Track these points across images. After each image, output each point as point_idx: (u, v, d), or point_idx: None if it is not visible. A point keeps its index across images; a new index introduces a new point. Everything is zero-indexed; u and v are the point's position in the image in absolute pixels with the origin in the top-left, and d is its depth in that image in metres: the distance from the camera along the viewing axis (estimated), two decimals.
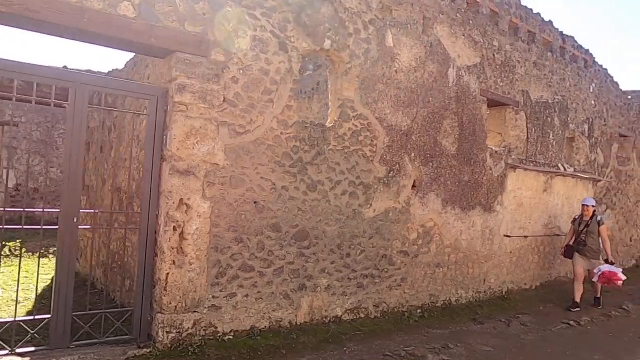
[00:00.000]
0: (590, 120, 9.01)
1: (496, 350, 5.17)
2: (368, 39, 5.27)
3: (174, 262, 4.05)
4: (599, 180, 9.25)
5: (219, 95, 4.24)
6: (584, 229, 6.99)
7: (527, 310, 6.88)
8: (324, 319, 5.03)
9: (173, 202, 4.03)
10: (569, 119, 8.42)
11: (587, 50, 8.91)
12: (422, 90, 5.81)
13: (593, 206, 7.11)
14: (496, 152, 6.99)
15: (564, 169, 8.26)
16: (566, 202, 8.40)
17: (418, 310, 5.86)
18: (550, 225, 8.07)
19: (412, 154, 5.74)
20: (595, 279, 6.92)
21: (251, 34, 4.40)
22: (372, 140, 5.34)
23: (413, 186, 5.79)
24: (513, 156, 7.25)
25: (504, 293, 7.18)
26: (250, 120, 4.44)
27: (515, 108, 7.27)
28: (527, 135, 7.51)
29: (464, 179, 6.44)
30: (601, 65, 9.35)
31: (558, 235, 8.13)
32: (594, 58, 9.10)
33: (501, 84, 7.01)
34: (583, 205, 7.13)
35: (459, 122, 6.33)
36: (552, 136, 8.04)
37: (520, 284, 7.61)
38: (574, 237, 7.16)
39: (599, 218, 7.05)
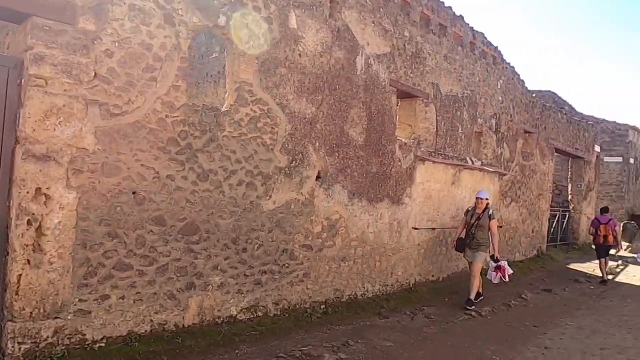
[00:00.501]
0: (498, 115, 9.28)
1: (396, 346, 5.06)
2: (269, 18, 4.91)
3: (28, 262, 3.48)
4: (505, 174, 9.58)
5: (89, 70, 3.70)
6: (475, 222, 6.83)
7: (433, 302, 6.92)
8: (217, 320, 4.65)
9: (27, 192, 3.45)
10: (477, 113, 8.59)
11: (496, 48, 9.14)
12: (328, 76, 5.56)
13: (487, 199, 6.93)
14: (405, 144, 6.92)
15: (472, 162, 8.43)
16: (473, 195, 8.55)
17: (322, 306, 5.65)
18: (458, 218, 8.19)
19: (317, 144, 5.48)
20: (494, 280, 7.10)
21: (129, 2, 3.88)
22: (272, 128, 5.00)
23: (318, 177, 5.54)
24: (422, 148, 7.24)
25: (411, 285, 7.18)
26: (129, 101, 3.93)
27: (426, 100, 7.25)
28: (437, 128, 7.53)
29: (372, 171, 6.30)
30: (509, 63, 9.66)
31: None
32: (502, 55, 9.37)
33: (412, 75, 6.94)
34: (477, 198, 6.98)
35: (368, 112, 6.16)
36: (461, 130, 8.15)
37: (427, 276, 7.66)
38: (465, 229, 7.03)
39: (490, 212, 6.87)
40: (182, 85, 4.26)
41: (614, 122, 18.25)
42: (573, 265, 11.65)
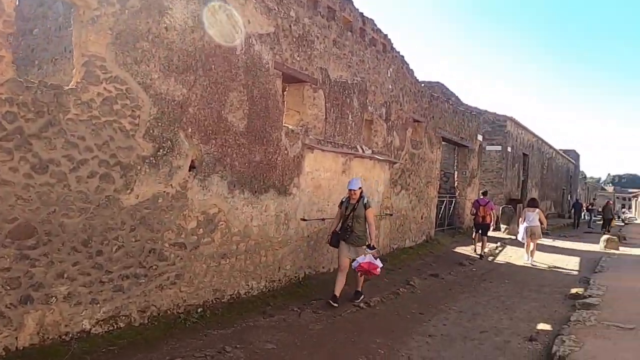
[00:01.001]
0: (388, 104, 9.30)
1: (278, 348, 4.71)
2: None
3: None
4: (395, 163, 9.68)
5: None
6: (350, 213, 6.25)
7: (323, 295, 6.68)
8: (64, 337, 3.94)
9: None
10: (367, 101, 8.50)
11: (386, 36, 9.12)
12: (202, 55, 4.98)
13: (360, 188, 6.35)
14: (293, 131, 6.57)
15: (363, 150, 8.33)
16: (364, 184, 8.51)
17: (199, 310, 5.12)
18: (373, 202, 8.09)
19: (190, 130, 4.90)
20: (355, 267, 6.43)
21: None
22: (133, 111, 4.34)
23: (192, 167, 4.97)
24: (311, 136, 6.94)
25: (300, 279, 6.90)
26: None
27: (314, 86, 6.95)
28: (326, 115, 7.28)
29: (256, 160, 5.85)
30: (398, 52, 9.71)
31: None
32: (392, 43, 9.38)
33: (298, 58, 6.58)
34: (349, 190, 6.33)
35: (249, 96, 5.69)
36: (351, 117, 7.99)
37: (318, 268, 7.44)
38: (340, 222, 6.42)
39: (365, 200, 6.33)
40: (6, 56, 3.46)
41: (495, 113, 19.60)
42: (459, 249, 12.24)
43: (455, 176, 15.13)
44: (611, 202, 29.08)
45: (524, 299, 7.52)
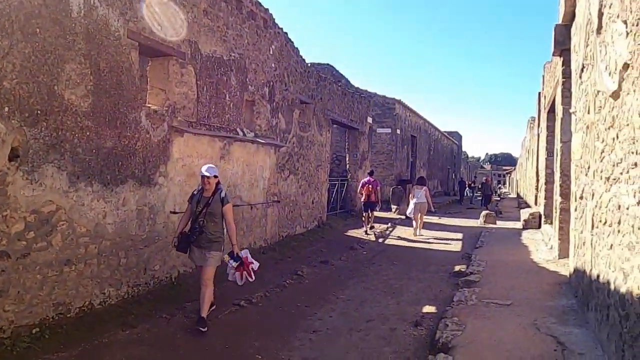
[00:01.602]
0: (272, 84, 8.72)
1: None
2: None
3: None
4: (282, 146, 9.17)
5: None
6: (204, 209, 4.91)
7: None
8: None
9: None
10: (248, 80, 7.84)
11: (267, 10, 8.48)
12: (19, 15, 3.97)
13: (216, 177, 4.99)
14: (156, 112, 5.72)
15: (244, 134, 7.68)
16: (247, 170, 7.90)
17: (34, 331, 4.18)
18: (230, 196, 7.42)
19: (7, 109, 3.89)
20: (239, 281, 5.28)
21: None
22: None
23: (15, 156, 3.98)
24: (180, 118, 6.14)
25: (173, 280, 6.13)
26: None
27: (181, 60, 6.13)
28: (198, 94, 6.50)
29: (107, 146, 4.95)
30: (282, 28, 9.14)
31: (239, 205, 7.56)
32: (274, 19, 8.78)
33: (160, 28, 5.71)
34: (203, 176, 4.94)
35: (95, 69, 4.75)
36: (229, 97, 7.29)
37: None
38: (190, 221, 5.04)
39: (223, 194, 4.99)
40: None
41: (384, 96, 19.99)
42: (350, 232, 12.16)
43: (347, 159, 15.07)
44: (490, 179, 31.50)
45: (411, 280, 7.49)
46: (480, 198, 28.48)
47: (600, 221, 4.29)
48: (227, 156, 7.27)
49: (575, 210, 5.93)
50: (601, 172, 4.27)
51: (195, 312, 5.28)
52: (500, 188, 65.81)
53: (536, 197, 17.03)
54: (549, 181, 11.98)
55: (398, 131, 20.48)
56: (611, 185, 3.93)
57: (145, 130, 5.50)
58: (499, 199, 37.33)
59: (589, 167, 4.92)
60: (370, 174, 12.83)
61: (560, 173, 7.97)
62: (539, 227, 12.62)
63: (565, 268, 7.31)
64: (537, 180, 17.20)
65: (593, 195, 4.64)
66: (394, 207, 16.70)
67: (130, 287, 5.39)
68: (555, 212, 8.51)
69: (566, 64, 7.87)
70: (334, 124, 13.05)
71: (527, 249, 9.64)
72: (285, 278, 7.19)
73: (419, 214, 12.08)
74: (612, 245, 3.84)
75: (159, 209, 5.80)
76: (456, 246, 10.74)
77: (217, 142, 6.99)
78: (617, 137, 3.70)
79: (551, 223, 12.01)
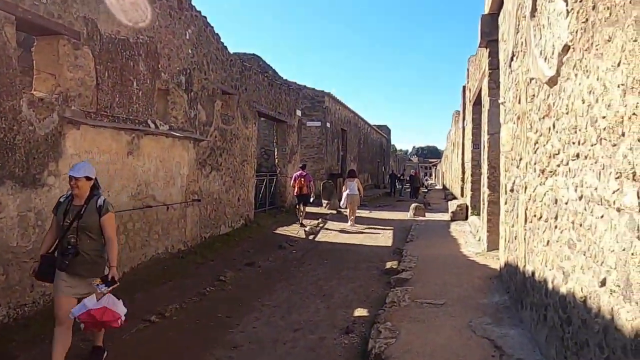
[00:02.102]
0: (189, 71, 7.96)
1: None
2: None
3: None
4: (202, 140, 8.44)
5: None
6: (73, 222, 3.65)
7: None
8: None
9: None
10: (160, 66, 7.05)
11: None
12: None
13: (90, 178, 3.74)
14: (42, 100, 4.85)
15: (156, 126, 6.90)
16: (162, 167, 7.13)
17: None
18: (142, 196, 6.63)
19: None
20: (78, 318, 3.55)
21: None
22: None
23: None
24: (75, 108, 5.28)
25: None
26: None
27: (75, 41, 5.27)
28: (98, 80, 5.66)
29: None
30: (199, 12, 8.38)
31: (151, 207, 6.78)
32: (191, 1, 8.00)
33: (46, 1, 4.84)
34: (71, 177, 3.67)
35: None
36: (137, 85, 6.48)
37: None
38: (56, 239, 3.75)
39: (100, 201, 3.75)
40: None
41: (313, 88, 19.59)
42: (280, 230, 11.65)
43: (275, 153, 14.50)
44: (418, 172, 32.25)
45: (342, 279, 7.12)
46: (409, 190, 29.07)
47: (535, 215, 4.10)
48: (137, 152, 6.46)
49: (506, 203, 5.80)
50: (535, 164, 4.07)
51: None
52: (427, 180, 68.18)
53: (462, 188, 17.43)
54: (475, 173, 12.15)
55: (328, 124, 20.20)
56: (547, 178, 3.71)
57: (28, 121, 4.62)
58: (426, 190, 38.44)
59: (520, 159, 4.75)
60: (303, 167, 13.09)
61: (488, 165, 7.93)
62: (466, 218, 12.80)
63: (494, 261, 7.26)
64: (463, 172, 17.60)
65: (526, 188, 4.46)
66: (324, 202, 16.38)
67: (12, 308, 4.53)
68: (483, 205, 8.50)
69: (493, 55, 7.82)
70: (261, 116, 12.43)
71: (456, 241, 9.62)
72: (206, 285, 6.54)
73: (353, 205, 12.77)
74: (548, 241, 3.62)
75: (48, 214, 4.93)
76: (387, 241, 10.56)
77: (124, 135, 6.17)
78: (554, 126, 3.46)
79: (478, 214, 12.19)
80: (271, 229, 11.68)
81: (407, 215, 15.06)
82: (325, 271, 7.72)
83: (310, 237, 10.97)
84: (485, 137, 8.08)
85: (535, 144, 4.06)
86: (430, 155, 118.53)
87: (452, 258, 7.85)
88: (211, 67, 8.83)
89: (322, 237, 11.11)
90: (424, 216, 14.78)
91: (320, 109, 19.66)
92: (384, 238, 10.87)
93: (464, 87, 17.69)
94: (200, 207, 8.48)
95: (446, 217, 13.92)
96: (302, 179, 12.35)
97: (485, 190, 8.18)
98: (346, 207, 12.97)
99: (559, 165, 3.38)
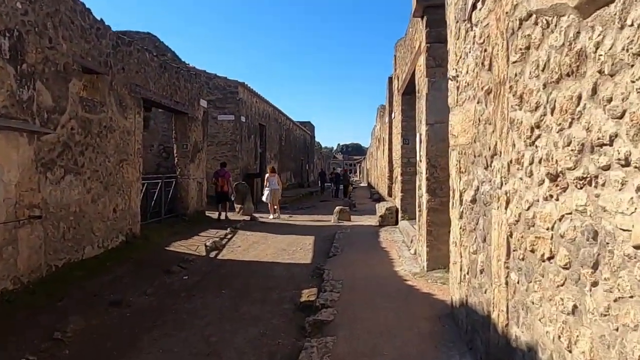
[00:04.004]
0: (19, 34, 5.58)
1: None
2: None
3: None
4: (45, 133, 6.07)
5: None
6: None
7: None
8: None
9: None
10: None
11: None
12: None
13: None
14: None
15: None
16: None
17: None
18: None
19: None
20: None
21: None
22: None
23: None
24: None
25: None
26: None
27: None
28: None
29: None
30: None
31: None
32: None
33: None
34: None
35: None
36: None
37: None
38: None
39: None
40: None
41: (225, 78, 17.35)
42: (176, 245, 9.43)
43: (175, 151, 12.17)
44: (347, 169, 30.92)
45: (241, 322, 5.17)
46: (334, 189, 27.62)
47: (533, 250, 2.43)
48: None
49: (461, 217, 4.15)
50: (533, 164, 2.39)
51: None
52: (351, 177, 67.83)
53: (390, 188, 16.09)
54: (406, 172, 10.68)
55: (243, 118, 18.06)
56: (565, 190, 2.05)
57: None
58: (352, 187, 37.40)
59: (493, 155, 3.08)
60: (223, 165, 13.83)
61: (427, 163, 6.33)
62: (396, 223, 11.34)
63: (439, 287, 5.66)
64: (391, 171, 16.26)
65: (508, 201, 2.80)
66: (237, 206, 14.29)
67: None
68: (420, 212, 6.92)
69: (432, 24, 6.22)
70: (151, 105, 10.11)
71: (388, 255, 8.01)
72: (31, 349, 4.31)
73: (275, 200, 14.02)
74: (575, 307, 1.96)
75: None
76: (307, 255, 8.74)
77: None
78: (594, 92, 1.79)
79: (409, 219, 10.73)
80: (164, 244, 9.42)
81: (331, 219, 13.38)
82: (221, 307, 5.74)
83: (213, 253, 8.89)
84: (423, 129, 6.48)
85: (532, 131, 2.38)
86: (354, 152, 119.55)
87: (385, 282, 6.18)
88: (62, 34, 6.45)
89: (227, 252, 9.05)
90: (350, 220, 13.18)
91: (234, 101, 17.46)
92: (303, 252, 9.03)
93: (390, 78, 16.35)
94: (46, 226, 6.11)
95: (374, 221, 12.41)
96: (222, 178, 13.00)
97: (423, 194, 6.59)
98: (268, 201, 14.03)
99: (607, 168, 1.70)
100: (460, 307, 4.17)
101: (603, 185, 1.75)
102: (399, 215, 11.12)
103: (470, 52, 3.68)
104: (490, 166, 3.17)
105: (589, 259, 1.86)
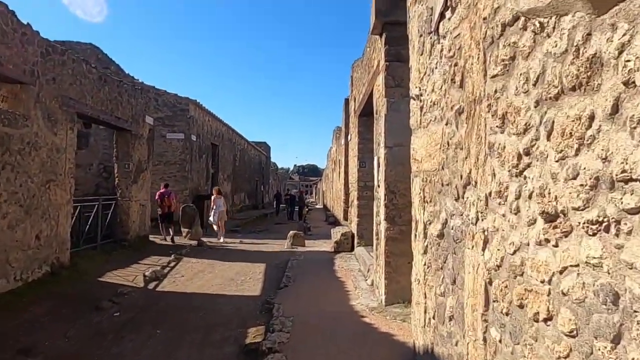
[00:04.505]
0: None
1: None
2: None
3: None
4: None
5: None
6: None
7: None
8: None
9: None
10: None
11: None
12: None
13: None
14: None
15: None
16: None
17: None
18: None
19: None
20: None
21: None
22: None
23: None
24: None
25: None
26: None
27: None
28: None
29: None
30: None
31: None
32: None
33: None
34: None
35: None
36: None
37: None
38: None
39: None
40: None
41: (175, 94, 16.54)
42: (111, 275, 8.52)
43: (116, 171, 11.25)
44: (303, 191, 30.39)
45: None
46: (289, 211, 26.97)
47: (521, 305, 1.98)
48: None
49: (425, 252, 3.69)
50: (518, 198, 1.96)
51: None
52: (307, 198, 67.30)
53: (346, 212, 15.68)
54: (363, 197, 10.28)
55: (194, 137, 17.25)
56: (564, 234, 1.61)
57: None
58: (307, 209, 36.81)
59: (467, 184, 2.65)
60: (166, 186, 13.43)
61: (386, 189, 5.90)
62: (352, 249, 10.87)
63: (399, 325, 5.17)
64: (347, 194, 15.87)
65: (486, 241, 2.35)
66: (184, 230, 13.41)
67: None
68: (378, 241, 6.46)
69: (391, 41, 5.87)
70: (89, 121, 9.27)
71: (344, 286, 7.48)
72: None
73: (222, 221, 13.77)
74: None
75: None
76: (256, 286, 8.07)
77: None
78: (613, 113, 1.36)
79: (366, 245, 10.28)
80: (98, 274, 8.49)
81: (285, 244, 12.75)
82: (154, 353, 5.00)
83: (152, 284, 8.06)
84: (381, 152, 6.07)
85: (519, 158, 1.94)
86: (311, 173, 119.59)
87: (341, 319, 5.62)
88: None
89: (168, 283, 8.24)
90: (304, 246, 12.59)
91: (184, 118, 16.66)
92: (252, 282, 8.36)
93: (346, 100, 16.10)
94: None
95: (328, 246, 11.89)
96: (168, 198, 12.88)
97: (381, 223, 6.14)
98: (215, 223, 13.72)
99: (636, 212, 1.26)
100: (424, 355, 3.67)
101: (628, 233, 1.31)
102: (355, 241, 10.66)
103: (437, 67, 3.27)
104: (463, 197, 2.73)
105: (606, 329, 1.40)
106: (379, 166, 6.30)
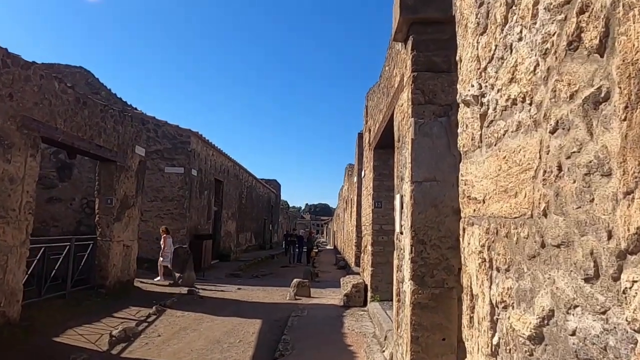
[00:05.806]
0: None
1: None
2: None
3: None
4: None
5: None
6: None
7: None
8: None
9: None
10: None
11: None
12: None
13: None
14: None
15: None
16: None
17: None
18: None
19: None
20: None
21: None
22: None
23: None
24: None
25: None
26: None
27: None
28: None
29: None
30: None
31: None
32: None
33: None
34: None
35: None
36: None
37: None
38: None
39: None
40: None
41: (177, 126, 15.45)
42: (71, 333, 7.02)
43: (97, 206, 9.93)
44: (312, 231, 28.85)
45: None
46: (295, 253, 25.28)
47: None
48: None
49: (495, 356, 2.21)
50: None
51: None
52: (317, 238, 65.47)
53: (358, 257, 14.12)
54: (378, 242, 8.78)
55: (194, 172, 16.02)
56: None
57: None
58: (316, 250, 35.02)
59: (632, 252, 1.23)
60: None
61: (413, 237, 4.42)
62: (365, 304, 9.28)
63: None
64: (359, 236, 14.34)
65: None
66: (176, 275, 11.93)
67: None
68: (401, 305, 4.91)
69: (420, 47, 4.55)
70: (60, 147, 8.05)
71: (354, 359, 5.89)
72: None
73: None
74: None
75: None
76: (244, 353, 6.49)
77: None
78: None
79: (381, 300, 8.70)
80: (56, 332, 6.99)
81: (287, 294, 11.16)
82: None
83: (118, 347, 6.54)
84: (406, 189, 4.63)
85: None
86: (322, 213, 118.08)
87: None
88: None
89: (139, 346, 6.70)
90: (309, 296, 11.00)
91: (185, 151, 15.48)
92: (241, 346, 6.78)
93: (359, 134, 14.88)
94: None
95: (337, 297, 10.30)
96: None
97: (405, 282, 4.62)
98: (168, 265, 12.29)
99: None
100: None
101: None
102: (369, 294, 9.09)
103: (521, 39, 1.89)
104: (611, 279, 1.27)
105: None
106: (402, 207, 4.84)
